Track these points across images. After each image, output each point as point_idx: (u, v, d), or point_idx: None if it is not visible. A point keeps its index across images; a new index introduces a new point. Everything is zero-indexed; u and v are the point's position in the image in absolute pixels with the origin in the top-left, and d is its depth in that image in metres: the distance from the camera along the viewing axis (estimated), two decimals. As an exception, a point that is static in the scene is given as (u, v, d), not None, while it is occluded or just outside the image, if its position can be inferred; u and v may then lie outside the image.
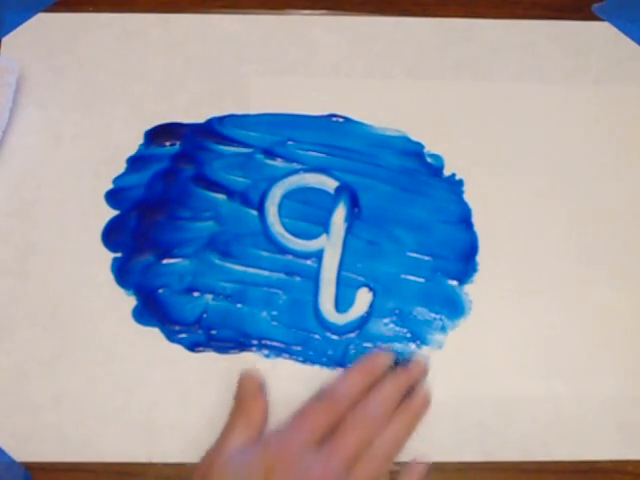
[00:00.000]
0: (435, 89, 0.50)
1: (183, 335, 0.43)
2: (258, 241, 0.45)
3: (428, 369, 0.42)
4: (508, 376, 0.43)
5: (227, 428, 0.38)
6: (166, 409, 0.41)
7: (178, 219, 0.46)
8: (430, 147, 0.48)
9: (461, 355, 0.43)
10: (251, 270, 0.44)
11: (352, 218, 0.46)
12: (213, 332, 0.43)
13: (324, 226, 0.46)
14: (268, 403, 0.39)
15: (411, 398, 0.40)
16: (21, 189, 0.46)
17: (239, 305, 0.44)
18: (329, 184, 0.47)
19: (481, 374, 0.43)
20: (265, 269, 0.44)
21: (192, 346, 0.43)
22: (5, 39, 0.50)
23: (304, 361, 0.43)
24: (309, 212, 0.46)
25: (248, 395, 0.39)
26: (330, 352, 0.43)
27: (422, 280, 0.45)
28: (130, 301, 0.44)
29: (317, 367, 0.42)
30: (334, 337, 0.43)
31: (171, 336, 0.43)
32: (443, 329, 0.43)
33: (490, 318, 0.44)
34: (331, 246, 0.45)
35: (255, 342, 0.43)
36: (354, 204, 0.46)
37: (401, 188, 0.47)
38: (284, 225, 0.46)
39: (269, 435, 0.38)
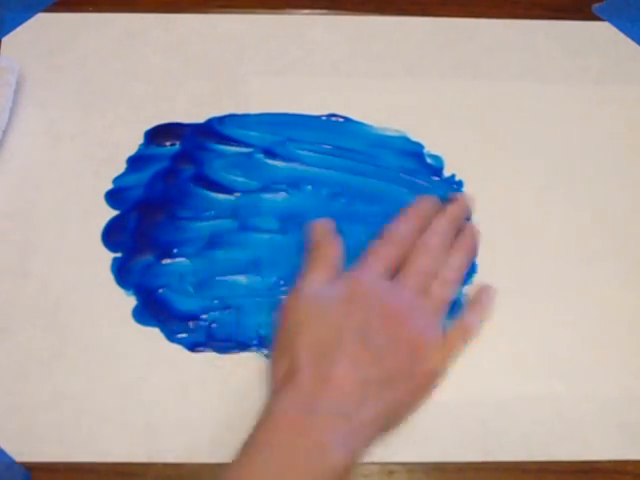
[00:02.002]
0: (435, 89, 0.50)
1: (183, 335, 0.43)
2: (258, 241, 0.45)
3: (471, 203, 0.45)
4: (508, 376, 0.43)
5: (307, 270, 0.40)
6: (166, 409, 0.41)
7: (178, 219, 0.46)
8: (430, 147, 0.48)
9: (461, 355, 0.43)
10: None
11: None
12: (212, 326, 0.43)
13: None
14: (341, 242, 0.42)
15: (464, 229, 0.44)
16: (21, 189, 0.46)
17: (239, 304, 0.43)
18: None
19: (481, 374, 0.43)
20: (265, 269, 0.44)
21: (192, 346, 0.43)
22: (5, 39, 0.50)
23: (304, 361, 0.43)
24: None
25: (322, 237, 0.42)
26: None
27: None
28: (130, 301, 0.44)
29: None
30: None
31: (171, 336, 0.43)
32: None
33: (490, 318, 0.44)
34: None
35: (255, 342, 0.43)
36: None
37: (401, 188, 0.47)
38: (284, 225, 0.46)
39: (344, 273, 0.41)
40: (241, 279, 0.44)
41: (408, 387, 0.38)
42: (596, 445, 0.41)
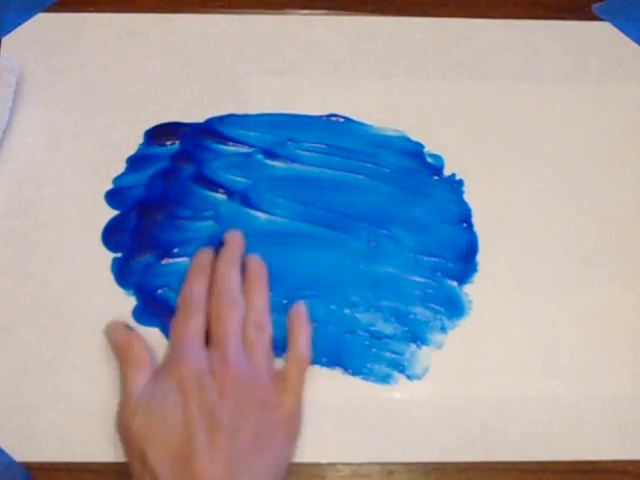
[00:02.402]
0: (435, 89, 0.50)
1: (183, 335, 0.43)
2: (258, 241, 0.45)
3: (242, 237, 0.44)
4: (508, 376, 0.43)
5: (124, 377, 0.39)
6: (166, 409, 0.41)
7: (178, 219, 0.46)
8: (430, 147, 0.48)
9: (461, 355, 0.43)
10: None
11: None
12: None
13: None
14: (142, 337, 0.41)
15: (248, 267, 0.43)
16: (21, 189, 0.46)
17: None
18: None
19: (481, 374, 0.43)
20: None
21: (192, 346, 0.43)
22: (5, 39, 0.50)
23: (304, 361, 0.43)
24: (309, 212, 0.46)
25: (121, 336, 0.41)
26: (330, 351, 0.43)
27: (422, 280, 0.44)
28: (130, 301, 0.44)
29: (316, 367, 0.42)
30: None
31: (171, 336, 0.43)
32: (443, 329, 0.43)
33: (490, 318, 0.44)
34: (331, 246, 0.45)
35: (255, 342, 0.43)
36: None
37: (401, 188, 0.47)
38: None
39: (164, 362, 0.40)
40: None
41: (276, 441, 0.37)
42: (596, 445, 0.41)
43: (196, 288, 0.41)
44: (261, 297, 0.42)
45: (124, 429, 0.37)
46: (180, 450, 0.35)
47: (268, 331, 0.41)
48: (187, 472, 0.34)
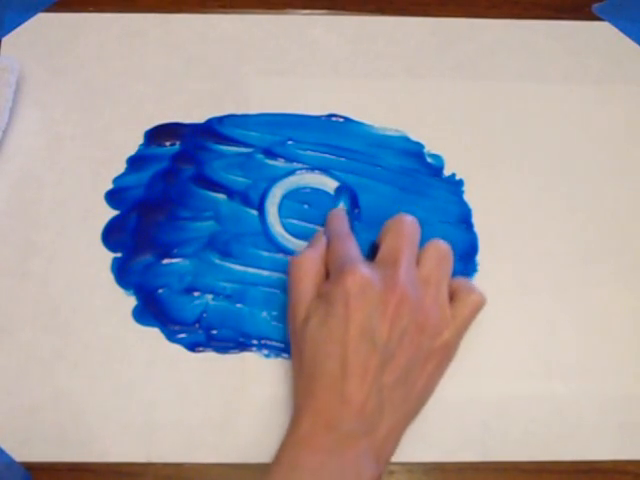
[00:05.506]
0: (435, 89, 0.50)
1: (183, 335, 0.43)
2: (258, 241, 0.45)
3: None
4: (508, 376, 0.43)
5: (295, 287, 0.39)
6: (166, 409, 0.41)
7: (178, 219, 0.46)
8: (430, 147, 0.48)
9: (461, 355, 0.43)
10: (251, 270, 0.44)
11: (352, 219, 0.46)
12: (213, 332, 0.43)
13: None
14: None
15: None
16: (21, 189, 0.46)
17: (239, 305, 0.44)
18: (329, 184, 0.47)
19: (481, 374, 0.43)
20: (265, 269, 0.44)
21: (192, 346, 0.43)
22: (5, 39, 0.50)
23: (304, 361, 0.42)
24: (309, 212, 0.46)
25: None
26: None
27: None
28: (130, 301, 0.44)
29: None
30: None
31: (171, 336, 0.43)
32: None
33: (490, 318, 0.44)
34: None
35: (255, 342, 0.43)
36: (354, 204, 0.46)
37: (401, 188, 0.47)
38: (284, 225, 0.46)
39: (330, 276, 0.39)
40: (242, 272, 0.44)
41: (424, 372, 0.37)
42: (596, 445, 0.41)
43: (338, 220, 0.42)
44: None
45: (294, 334, 0.38)
46: (337, 365, 0.35)
47: (448, 264, 0.40)
48: (338, 388, 0.35)
